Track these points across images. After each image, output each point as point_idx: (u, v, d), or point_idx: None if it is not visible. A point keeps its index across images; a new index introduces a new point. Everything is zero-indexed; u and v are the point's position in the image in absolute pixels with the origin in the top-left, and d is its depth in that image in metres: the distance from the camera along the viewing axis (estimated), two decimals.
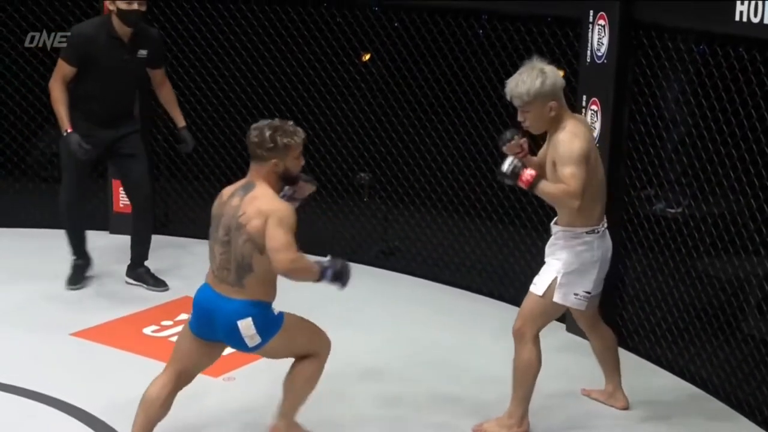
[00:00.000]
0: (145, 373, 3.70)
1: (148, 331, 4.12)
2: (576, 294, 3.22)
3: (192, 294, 4.48)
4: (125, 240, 4.98)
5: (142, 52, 4.31)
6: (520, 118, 3.16)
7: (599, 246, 3.22)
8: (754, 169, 3.44)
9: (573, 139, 3.08)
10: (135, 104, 4.59)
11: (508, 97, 3.16)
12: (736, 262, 3.66)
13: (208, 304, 2.98)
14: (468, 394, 3.61)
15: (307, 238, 5.18)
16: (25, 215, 5.45)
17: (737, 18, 3.28)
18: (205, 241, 5.02)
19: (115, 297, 4.49)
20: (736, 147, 3.51)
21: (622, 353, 3.95)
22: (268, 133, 2.94)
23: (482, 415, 3.40)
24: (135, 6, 4.18)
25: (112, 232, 5.32)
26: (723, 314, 3.69)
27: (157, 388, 3.06)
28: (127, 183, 4.53)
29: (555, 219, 3.27)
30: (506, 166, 3.08)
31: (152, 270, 4.66)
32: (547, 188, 3.07)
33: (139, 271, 4.60)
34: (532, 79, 3.09)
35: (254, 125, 3.00)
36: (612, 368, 3.54)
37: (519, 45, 4.38)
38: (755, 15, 3.22)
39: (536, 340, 3.25)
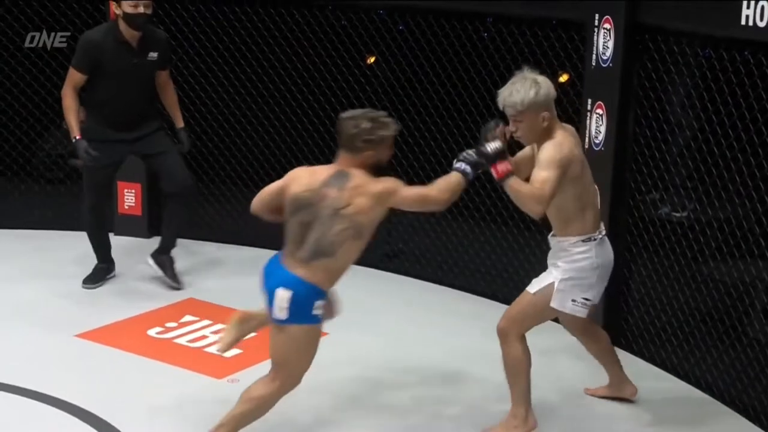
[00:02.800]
0: (149, 375, 3.73)
1: (152, 332, 4.12)
2: (574, 300, 3.20)
3: (196, 296, 4.55)
4: (130, 242, 4.99)
5: (153, 55, 4.32)
6: (512, 128, 3.14)
7: (598, 254, 3.19)
8: (759, 173, 3.43)
9: (557, 146, 3.08)
10: (154, 105, 4.59)
11: (500, 106, 3.13)
12: (741, 266, 3.65)
13: (269, 270, 3.04)
14: (473, 398, 3.60)
15: None
16: (30, 217, 5.45)
17: (743, 22, 3.27)
18: (207, 243, 5.08)
19: (119, 298, 4.49)
20: (741, 151, 3.50)
21: (627, 357, 3.96)
22: (366, 126, 2.95)
23: (489, 418, 3.38)
24: (141, 9, 4.18)
25: (116, 234, 5.32)
26: (728, 318, 3.68)
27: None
28: (164, 178, 4.49)
29: (552, 232, 3.26)
30: (491, 146, 3.03)
31: (159, 273, 4.63)
32: (516, 185, 3.02)
33: (162, 258, 4.59)
34: (526, 89, 3.07)
35: (349, 115, 3.00)
36: (612, 362, 3.53)
37: (524, 48, 4.37)
38: (761, 19, 3.20)
39: (522, 339, 3.23)
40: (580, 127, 4.02)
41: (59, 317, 4.24)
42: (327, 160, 5.22)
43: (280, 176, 5.35)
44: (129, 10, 4.17)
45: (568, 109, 4.17)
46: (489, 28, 4.55)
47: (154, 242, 5.25)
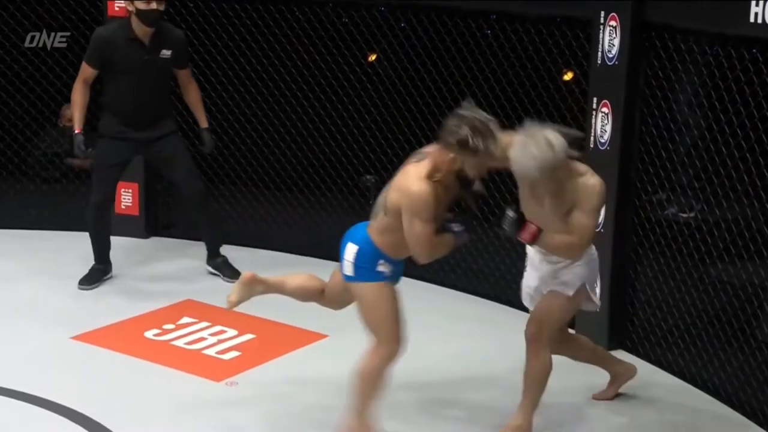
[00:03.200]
0: (146, 377, 3.68)
1: (149, 334, 4.07)
2: (594, 296, 3.21)
3: (194, 297, 4.50)
4: (127, 242, 4.95)
5: (165, 53, 4.32)
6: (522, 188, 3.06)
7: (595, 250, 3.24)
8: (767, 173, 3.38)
9: (602, 194, 3.01)
10: (168, 105, 4.58)
11: (517, 174, 2.97)
12: (750, 268, 3.61)
13: (353, 228, 3.11)
14: (477, 400, 3.54)
15: (311, 240, 5.20)
16: (26, 216, 5.40)
17: (752, 19, 3.23)
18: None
19: (116, 300, 4.43)
20: (750, 150, 3.45)
21: (633, 360, 3.90)
22: (464, 131, 2.80)
23: (490, 420, 3.33)
24: (153, 5, 4.18)
25: (113, 234, 5.25)
26: (736, 321, 3.63)
27: (317, 280, 3.32)
28: (176, 184, 4.56)
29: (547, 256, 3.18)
30: (509, 216, 2.94)
31: (156, 273, 4.63)
32: (550, 241, 2.98)
33: (217, 261, 4.67)
34: (542, 153, 2.86)
35: (461, 111, 2.84)
36: (604, 359, 3.51)
37: (528, 46, 4.32)
38: None
39: (550, 343, 3.19)
40: (585, 126, 3.99)
41: (55, 319, 4.19)
42: (327, 159, 5.27)
43: (279, 175, 5.40)
44: (141, 6, 4.18)
45: (573, 108, 4.12)
46: (492, 26, 4.50)
47: (152, 242, 5.23)
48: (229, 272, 4.65)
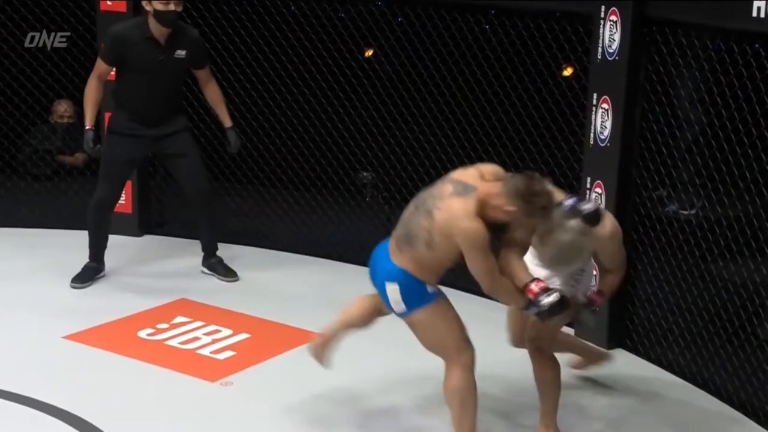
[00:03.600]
0: (140, 377, 3.63)
1: (143, 334, 4.01)
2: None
3: (189, 296, 4.45)
4: (121, 240, 4.90)
5: (180, 53, 4.32)
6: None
7: None
8: None
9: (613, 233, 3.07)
10: (181, 104, 4.58)
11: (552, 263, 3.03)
12: (751, 266, 3.57)
13: (375, 257, 3.07)
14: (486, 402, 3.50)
15: (306, 238, 5.15)
16: (17, 214, 5.33)
17: (754, 14, 3.20)
18: (199, 243, 4.94)
19: (109, 299, 4.38)
20: (752, 147, 3.42)
21: (632, 358, 3.89)
22: (545, 200, 2.79)
23: (488, 420, 3.28)
24: (172, 6, 4.19)
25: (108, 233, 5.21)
26: (738, 319, 3.60)
27: (360, 300, 3.24)
28: (181, 181, 4.52)
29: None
30: (546, 301, 2.84)
31: (150, 272, 4.58)
32: (614, 284, 3.15)
33: (211, 261, 4.65)
34: (577, 252, 2.95)
35: (539, 177, 2.82)
36: (581, 346, 3.57)
37: (528, 41, 4.28)
38: None
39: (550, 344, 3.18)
40: (585, 122, 3.95)
41: (47, 318, 4.13)
42: (323, 156, 5.22)
43: (264, 172, 5.35)
44: (160, 7, 4.18)
45: (573, 104, 4.08)
46: (491, 21, 4.46)
47: (145, 240, 5.18)
48: (224, 271, 4.62)
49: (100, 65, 4.30)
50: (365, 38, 4.91)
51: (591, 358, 3.60)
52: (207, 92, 4.53)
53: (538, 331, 3.15)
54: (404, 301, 2.93)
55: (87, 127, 4.25)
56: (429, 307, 2.96)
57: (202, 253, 4.67)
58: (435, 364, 3.81)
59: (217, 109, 4.55)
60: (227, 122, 4.53)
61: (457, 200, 2.84)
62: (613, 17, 3.80)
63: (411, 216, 2.94)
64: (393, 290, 2.94)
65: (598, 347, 3.63)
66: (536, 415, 3.24)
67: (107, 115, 5.04)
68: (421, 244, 2.88)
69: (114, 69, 4.32)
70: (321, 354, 3.31)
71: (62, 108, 5.73)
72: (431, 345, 3.02)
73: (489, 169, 2.95)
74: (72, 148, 5.72)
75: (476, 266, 2.85)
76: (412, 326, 3.02)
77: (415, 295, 2.94)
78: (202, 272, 4.66)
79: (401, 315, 3.00)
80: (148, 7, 4.21)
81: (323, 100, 5.09)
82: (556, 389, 3.17)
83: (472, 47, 4.57)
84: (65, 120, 5.76)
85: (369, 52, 5.10)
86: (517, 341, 3.39)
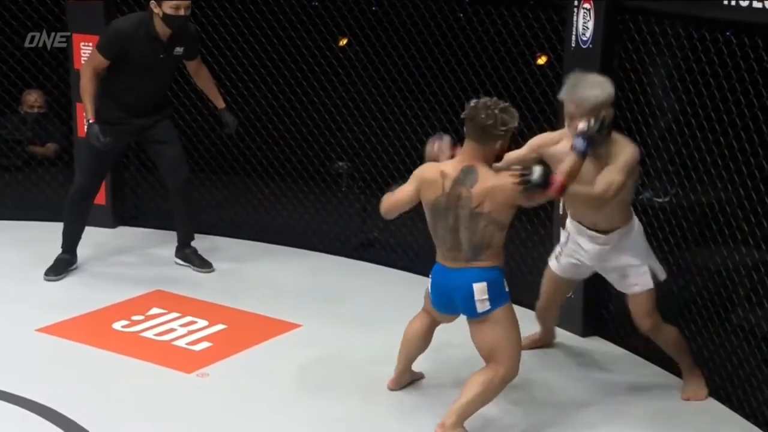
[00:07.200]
0: (115, 369, 3.60)
1: (118, 326, 3.98)
2: (658, 267, 3.45)
3: (164, 287, 4.42)
4: (97, 232, 4.86)
5: (179, 50, 4.32)
6: (568, 124, 3.23)
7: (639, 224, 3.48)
8: (742, 156, 3.38)
9: (635, 152, 3.24)
10: (168, 93, 4.59)
11: (564, 98, 3.22)
12: (724, 252, 3.60)
13: (445, 281, 3.14)
14: (452, 387, 3.50)
15: (281, 229, 5.13)
16: None
17: (725, 2, 3.22)
18: (174, 233, 4.90)
19: (83, 291, 4.34)
20: (724, 134, 3.44)
21: (608, 346, 3.91)
22: (501, 116, 2.98)
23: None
24: (182, 12, 4.19)
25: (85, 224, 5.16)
26: (712, 305, 3.63)
27: (415, 324, 3.36)
28: (162, 168, 4.49)
29: (589, 231, 3.39)
30: (536, 175, 3.00)
31: (124, 263, 4.55)
32: (577, 192, 3.15)
33: (185, 252, 4.62)
34: (602, 84, 3.21)
35: (478, 104, 3.01)
36: (551, 324, 3.81)
37: (501, 29, 4.28)
38: None
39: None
40: (560, 110, 3.94)
41: (19, 311, 4.08)
42: (298, 146, 5.18)
43: (238, 162, 5.30)
44: (170, 11, 4.17)
45: (548, 93, 4.08)
46: (465, 9, 4.45)
47: (119, 232, 5.13)
48: (199, 262, 4.60)
49: (97, 58, 4.23)
50: (339, 27, 4.89)
51: (543, 339, 3.84)
52: (199, 78, 4.54)
53: (650, 318, 3.41)
54: (491, 298, 3.06)
55: (92, 121, 4.18)
56: (507, 306, 3.11)
57: (176, 244, 4.65)
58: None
59: (209, 93, 4.57)
60: (221, 104, 4.56)
61: (479, 185, 3.01)
62: (587, 5, 3.80)
63: (465, 234, 3.05)
64: (481, 289, 3.05)
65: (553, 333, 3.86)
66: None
67: (78, 105, 4.99)
68: (496, 234, 3.05)
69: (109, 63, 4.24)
70: (402, 385, 3.46)
71: (32, 98, 5.65)
72: (496, 342, 3.09)
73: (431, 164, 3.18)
74: (43, 138, 5.66)
75: (532, 200, 3.06)
76: (486, 323, 3.09)
77: (499, 291, 3.08)
78: (176, 263, 4.64)
79: (483, 314, 3.08)
80: (156, 9, 4.18)
81: (298, 89, 5.06)
82: (681, 349, 3.48)
83: (447, 36, 4.56)
84: (35, 110, 5.68)
85: (343, 41, 5.08)
86: (548, 305, 3.67)
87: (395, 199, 3.18)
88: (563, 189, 3.04)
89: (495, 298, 3.07)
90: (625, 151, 3.22)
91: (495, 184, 3.00)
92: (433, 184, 3.07)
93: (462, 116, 3.04)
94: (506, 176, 3.01)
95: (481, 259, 3.07)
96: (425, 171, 3.12)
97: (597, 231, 3.39)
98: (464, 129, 3.06)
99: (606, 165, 3.20)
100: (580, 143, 3.05)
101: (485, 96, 3.07)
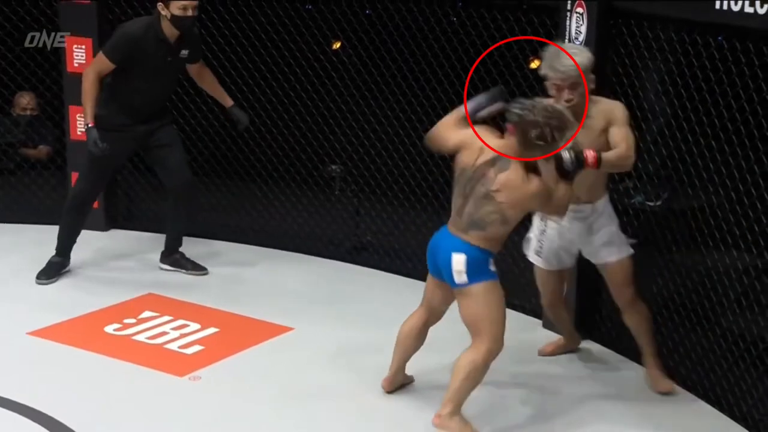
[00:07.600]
0: (107, 373, 3.60)
1: (110, 329, 3.98)
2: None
3: (156, 291, 4.41)
4: (87, 235, 4.84)
5: (184, 52, 4.31)
6: (566, 96, 3.30)
7: None
8: (733, 161, 3.39)
9: (620, 103, 3.38)
10: (170, 99, 4.59)
11: (551, 75, 3.31)
12: (715, 256, 3.61)
13: (437, 241, 3.22)
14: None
15: (275, 232, 5.12)
16: None
17: (717, 6, 3.23)
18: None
19: (75, 294, 4.33)
20: (715, 138, 3.45)
21: (600, 349, 3.92)
22: (549, 131, 3.02)
23: (471, 409, 3.29)
24: (189, 12, 4.17)
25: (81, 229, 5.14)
26: (702, 309, 3.64)
27: (411, 321, 3.40)
28: (164, 172, 4.45)
29: (579, 202, 3.42)
30: (567, 156, 3.09)
31: (116, 266, 4.55)
32: (611, 160, 3.23)
33: (175, 257, 4.59)
34: (580, 52, 3.32)
35: (534, 107, 3.07)
36: (567, 325, 3.82)
37: (495, 33, 4.29)
38: (735, 3, 3.16)
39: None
40: None
41: (11, 314, 4.08)
42: (291, 149, 5.18)
43: (243, 167, 5.29)
44: (178, 12, 4.15)
45: (542, 97, 4.08)
46: (459, 13, 4.46)
47: (112, 235, 5.13)
48: (191, 266, 4.59)
49: (103, 62, 4.19)
50: (333, 30, 4.89)
51: (569, 344, 3.82)
52: (202, 80, 4.53)
53: (629, 288, 3.47)
54: (468, 272, 3.08)
55: (90, 125, 4.14)
56: (489, 283, 3.13)
57: (163, 249, 4.61)
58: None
59: (215, 93, 4.55)
60: (228, 102, 4.54)
61: (506, 175, 3.06)
62: (580, 9, 3.81)
63: (470, 207, 3.11)
64: (459, 260, 3.09)
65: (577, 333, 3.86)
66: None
67: (71, 108, 4.97)
68: (495, 225, 3.09)
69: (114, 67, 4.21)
70: (396, 385, 3.48)
71: (25, 100, 5.64)
72: (475, 317, 3.14)
73: (483, 132, 3.18)
74: (35, 140, 5.65)
75: (556, 203, 3.12)
76: (465, 296, 3.14)
77: (479, 268, 3.10)
78: (162, 269, 4.59)
79: (459, 286, 3.13)
80: (164, 11, 4.16)
81: (291, 92, 5.06)
82: (648, 332, 3.52)
83: (440, 39, 4.57)
84: (28, 112, 5.67)
85: (336, 44, 5.08)
86: (553, 301, 3.71)
87: (441, 133, 3.23)
88: (598, 160, 3.15)
89: (474, 273, 3.10)
90: (615, 108, 3.35)
91: (520, 185, 3.06)
92: (470, 153, 3.13)
93: (516, 111, 3.07)
94: (535, 182, 3.06)
95: (470, 236, 3.12)
96: (471, 138, 3.15)
97: (588, 202, 3.47)
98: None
99: (601, 121, 3.33)
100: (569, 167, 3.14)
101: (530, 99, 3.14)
